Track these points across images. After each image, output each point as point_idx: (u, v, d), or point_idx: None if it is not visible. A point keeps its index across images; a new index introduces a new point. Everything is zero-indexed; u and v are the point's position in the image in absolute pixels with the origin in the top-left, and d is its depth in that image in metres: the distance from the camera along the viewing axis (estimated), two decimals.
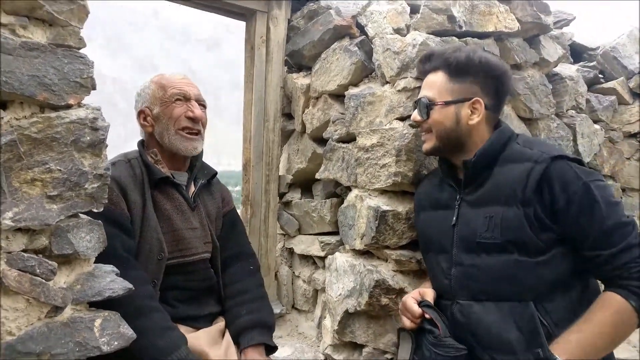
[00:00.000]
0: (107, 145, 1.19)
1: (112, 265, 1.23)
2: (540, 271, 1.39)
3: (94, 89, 1.18)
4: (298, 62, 2.52)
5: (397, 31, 2.03)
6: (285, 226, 2.54)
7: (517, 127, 2.24)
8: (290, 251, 2.57)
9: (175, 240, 1.56)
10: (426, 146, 1.65)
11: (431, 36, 1.88)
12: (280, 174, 2.53)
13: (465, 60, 1.53)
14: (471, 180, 1.55)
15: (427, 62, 1.64)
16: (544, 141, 1.85)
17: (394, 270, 1.93)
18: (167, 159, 1.63)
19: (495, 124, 1.61)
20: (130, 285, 1.20)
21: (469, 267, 1.50)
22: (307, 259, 2.48)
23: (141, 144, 1.66)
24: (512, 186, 1.43)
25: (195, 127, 1.63)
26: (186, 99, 1.62)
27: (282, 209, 2.57)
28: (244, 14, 2.43)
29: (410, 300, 1.57)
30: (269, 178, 2.44)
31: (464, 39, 1.97)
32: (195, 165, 1.72)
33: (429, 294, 1.58)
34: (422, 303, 1.55)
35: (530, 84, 2.31)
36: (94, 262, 1.23)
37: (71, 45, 1.12)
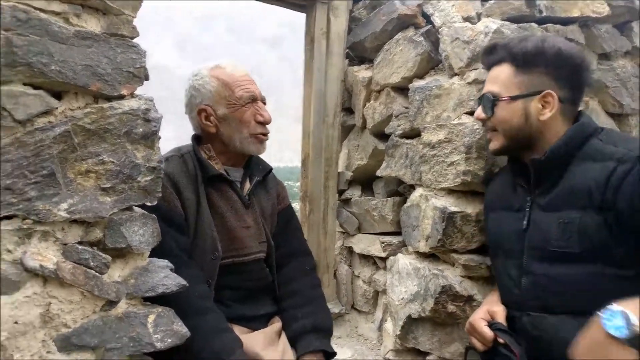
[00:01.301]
0: (160, 137, 1.16)
1: (166, 261, 1.20)
2: (629, 285, 1.22)
3: (147, 79, 1.14)
4: (360, 55, 2.42)
5: (467, 20, 1.88)
6: (344, 224, 2.45)
7: (605, 123, 2.01)
8: (350, 250, 2.49)
9: (229, 240, 1.51)
10: (493, 146, 1.51)
11: (506, 23, 1.72)
12: (339, 170, 2.45)
13: (533, 50, 1.38)
14: (542, 180, 1.40)
15: (491, 54, 1.49)
16: (632, 137, 1.63)
17: (461, 276, 1.79)
18: (222, 155, 1.59)
19: (575, 118, 1.44)
20: (184, 282, 1.17)
21: (541, 276, 1.36)
22: (367, 258, 2.38)
23: (195, 138, 1.62)
24: (590, 188, 1.27)
25: (267, 131, 1.60)
26: (253, 99, 1.56)
27: (341, 206, 2.49)
28: (304, 6, 2.36)
29: (480, 322, 1.42)
30: (328, 174, 2.37)
31: (545, 25, 1.78)
32: (251, 160, 1.66)
33: (500, 314, 1.43)
34: (493, 325, 1.40)
35: (620, 75, 2.07)
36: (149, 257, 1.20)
37: (124, 35, 1.09)
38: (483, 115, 1.48)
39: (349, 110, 2.52)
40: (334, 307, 2.35)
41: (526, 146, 1.44)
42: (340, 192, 2.50)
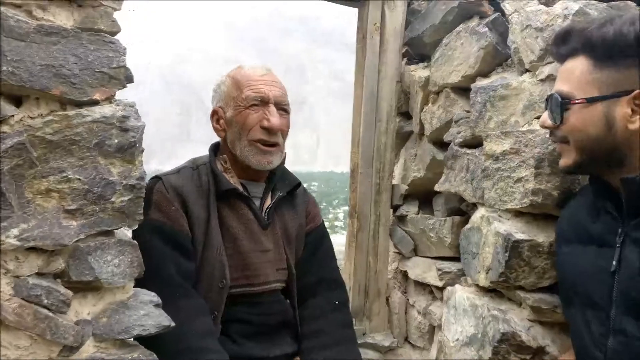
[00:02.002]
0: (142, 150, 0.99)
1: (153, 294, 1.02)
2: None
3: (130, 81, 0.98)
4: (419, 52, 2.14)
5: (545, 4, 1.54)
6: (398, 244, 2.17)
7: None
8: (405, 274, 2.20)
9: (240, 265, 1.32)
10: (563, 162, 1.19)
11: (593, 2, 1.36)
12: (394, 182, 2.17)
13: (619, 36, 1.03)
14: (638, 207, 1.05)
15: (563, 44, 1.15)
16: None
17: (530, 320, 1.46)
18: (239, 168, 1.40)
19: None
20: (168, 322, 0.99)
21: (635, 340, 1.01)
22: (423, 286, 2.08)
23: (213, 148, 1.46)
24: None
25: (271, 139, 1.36)
26: (264, 102, 1.35)
27: (395, 223, 2.21)
28: (356, 0, 2.13)
29: None
30: (379, 187, 2.10)
31: None
32: (275, 174, 1.46)
33: None
34: None
35: None
36: (140, 286, 1.04)
37: (101, 29, 0.93)
38: (550, 123, 1.16)
39: (406, 114, 2.24)
40: (384, 340, 2.08)
41: (608, 163, 1.09)
42: (395, 208, 2.22)
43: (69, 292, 0.89)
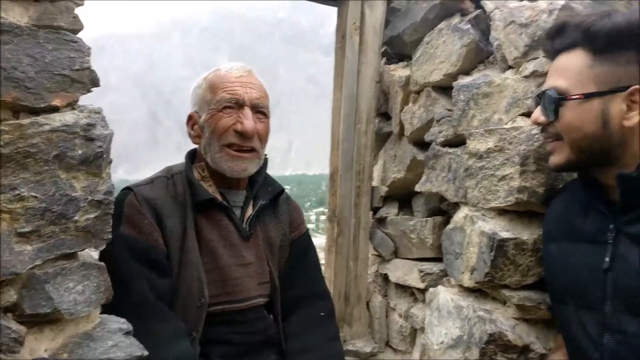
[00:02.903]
0: (110, 161, 0.91)
1: (122, 320, 0.94)
2: None
3: (96, 85, 0.90)
4: (399, 51, 2.10)
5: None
6: (378, 247, 2.14)
7: None
8: (385, 277, 2.16)
9: (220, 281, 1.25)
10: (555, 160, 1.17)
11: None
12: (374, 184, 2.13)
13: (621, 29, 1.02)
14: (634, 203, 1.04)
15: (558, 37, 1.13)
16: None
17: (515, 319, 1.45)
18: (218, 176, 1.32)
19: None
20: (141, 352, 0.90)
21: (635, 338, 1.00)
22: (404, 288, 2.05)
23: (189, 156, 1.38)
24: None
25: (245, 144, 1.27)
26: (239, 105, 1.27)
27: (375, 226, 2.17)
28: None
29: None
30: (359, 190, 2.06)
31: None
32: (256, 181, 1.39)
33: None
34: None
35: None
36: (113, 308, 0.96)
37: (62, 27, 0.85)
38: (543, 119, 1.13)
39: (385, 115, 2.21)
40: (365, 346, 2.04)
41: (603, 161, 1.08)
42: (375, 210, 2.18)
43: (22, 328, 0.79)
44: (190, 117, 1.34)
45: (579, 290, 1.14)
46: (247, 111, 1.27)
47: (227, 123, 1.26)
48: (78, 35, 0.88)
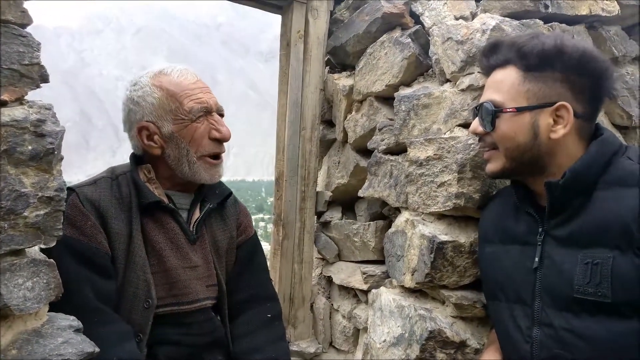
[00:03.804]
0: (61, 158, 0.89)
1: (72, 318, 0.92)
2: None
3: (46, 81, 0.88)
4: (341, 61, 2.17)
5: (461, 19, 1.64)
6: (322, 250, 2.18)
7: None
8: (329, 280, 2.21)
9: (167, 283, 1.24)
10: (491, 167, 1.26)
11: (507, 19, 1.47)
12: (318, 189, 2.18)
13: (550, 50, 1.13)
14: (559, 209, 1.14)
15: (494, 54, 1.24)
16: None
17: (453, 317, 1.54)
18: (167, 180, 1.32)
19: (592, 135, 1.19)
20: (92, 348, 0.89)
21: (561, 330, 1.09)
22: (347, 290, 2.11)
23: (134, 157, 1.35)
24: (626, 222, 1.02)
25: (221, 150, 1.33)
26: (207, 112, 1.29)
27: (319, 230, 2.22)
28: (280, 7, 2.12)
29: None
30: (304, 194, 2.10)
31: (550, 24, 1.54)
32: (204, 184, 1.38)
33: None
34: None
35: (629, 83, 1.84)
36: (55, 312, 0.93)
37: (9, 21, 0.82)
38: (481, 129, 1.23)
39: (329, 122, 2.27)
40: (309, 346, 2.07)
41: (533, 170, 1.19)
42: (319, 215, 2.23)
43: None
44: (144, 128, 1.28)
45: (511, 288, 1.23)
46: (217, 117, 1.31)
47: (203, 132, 1.28)
48: (27, 30, 0.86)
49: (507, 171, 1.23)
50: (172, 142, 1.27)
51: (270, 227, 2.25)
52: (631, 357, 0.99)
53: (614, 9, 1.68)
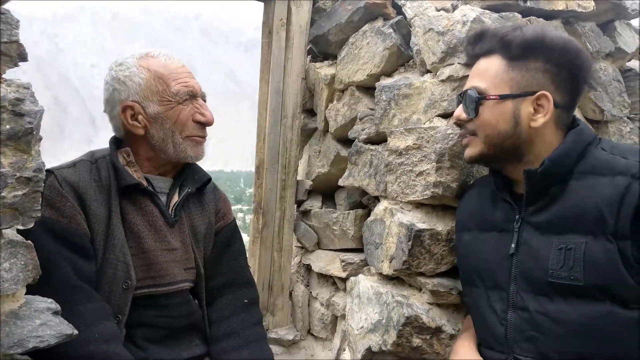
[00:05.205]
0: (40, 138, 0.88)
1: (50, 300, 0.92)
2: None
3: (24, 59, 0.87)
4: (323, 50, 2.18)
5: (442, 11, 1.66)
6: (302, 239, 2.20)
7: None
8: (308, 268, 2.23)
9: (145, 265, 1.25)
10: (469, 152, 1.29)
11: (487, 11, 1.50)
12: (298, 178, 2.19)
13: (532, 40, 1.17)
14: (537, 196, 1.18)
15: (479, 43, 1.27)
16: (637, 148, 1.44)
17: (429, 303, 1.57)
18: (148, 162, 1.33)
19: (569, 126, 1.23)
20: (71, 330, 0.89)
21: (536, 313, 1.13)
22: (326, 278, 2.13)
23: (114, 141, 1.35)
24: (599, 209, 1.06)
25: (205, 134, 1.37)
26: (192, 96, 1.33)
27: (299, 218, 2.23)
28: None
29: None
30: (285, 183, 2.11)
31: (528, 18, 1.58)
32: (184, 169, 1.39)
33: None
34: None
35: (602, 79, 1.89)
36: (34, 293, 0.93)
37: None
38: (465, 116, 1.25)
39: (310, 111, 2.28)
40: (288, 333, 2.09)
41: (511, 157, 1.22)
42: (299, 203, 2.24)
43: None
44: (129, 107, 1.29)
45: (488, 274, 1.27)
46: (202, 102, 1.34)
47: (187, 115, 1.31)
48: (6, 7, 0.84)
49: (485, 157, 1.26)
50: (156, 123, 1.29)
51: (249, 218, 2.25)
52: (602, 339, 1.03)
53: (589, 5, 1.72)
